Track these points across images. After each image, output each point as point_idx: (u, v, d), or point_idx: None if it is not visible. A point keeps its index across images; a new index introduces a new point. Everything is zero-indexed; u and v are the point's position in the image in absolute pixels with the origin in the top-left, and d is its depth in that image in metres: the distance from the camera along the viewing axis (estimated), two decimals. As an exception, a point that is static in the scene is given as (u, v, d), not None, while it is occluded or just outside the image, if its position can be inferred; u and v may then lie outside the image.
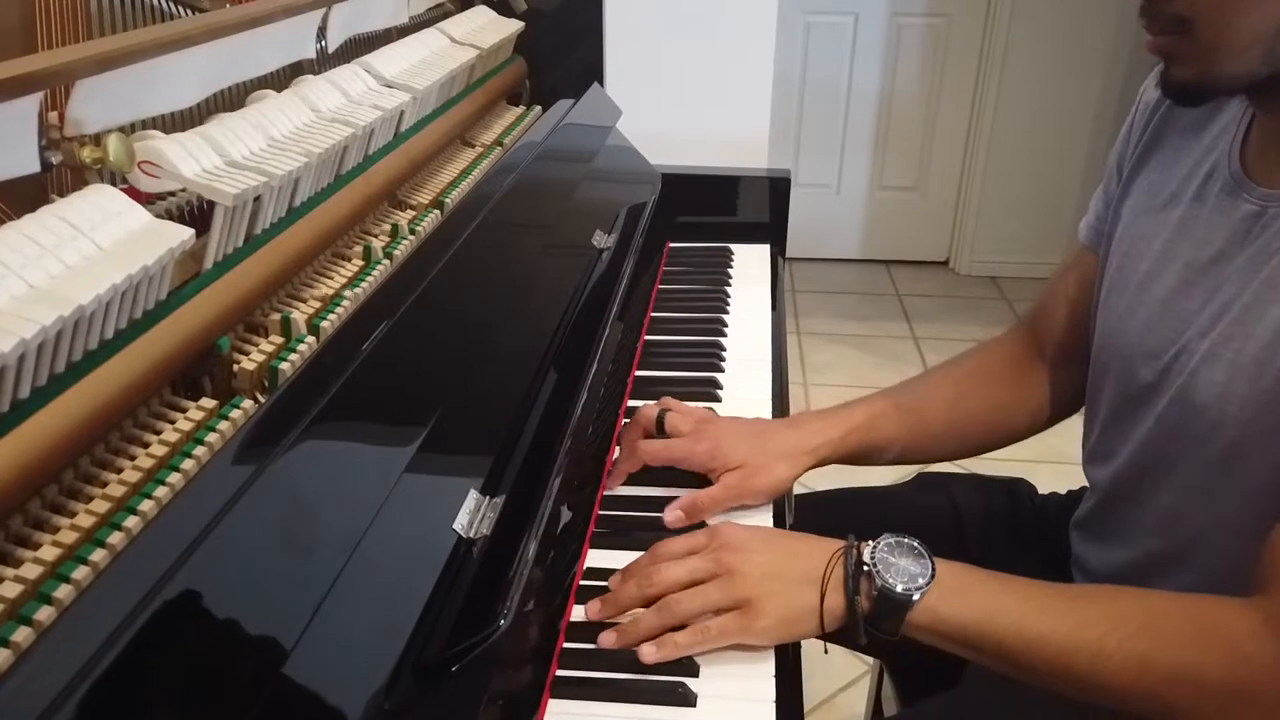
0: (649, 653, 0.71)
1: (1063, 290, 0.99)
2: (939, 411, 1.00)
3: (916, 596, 0.69)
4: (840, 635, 0.73)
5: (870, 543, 0.73)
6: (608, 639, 0.72)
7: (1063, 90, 3.25)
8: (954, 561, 0.73)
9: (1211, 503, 0.78)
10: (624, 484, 0.93)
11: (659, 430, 0.94)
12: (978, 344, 1.06)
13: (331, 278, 0.85)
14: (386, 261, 0.90)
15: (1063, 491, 1.09)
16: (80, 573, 0.51)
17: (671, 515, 0.87)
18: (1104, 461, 0.90)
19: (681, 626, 0.72)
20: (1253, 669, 0.64)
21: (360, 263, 0.88)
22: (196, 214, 0.78)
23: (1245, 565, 0.71)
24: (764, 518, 0.89)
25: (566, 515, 0.84)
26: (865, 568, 0.71)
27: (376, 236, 0.95)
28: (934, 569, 0.71)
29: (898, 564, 0.71)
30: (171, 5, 0.81)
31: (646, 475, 0.94)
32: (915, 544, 0.72)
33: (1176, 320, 0.79)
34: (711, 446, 0.90)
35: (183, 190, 0.71)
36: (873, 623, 0.71)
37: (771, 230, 1.52)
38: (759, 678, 0.71)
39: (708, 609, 0.72)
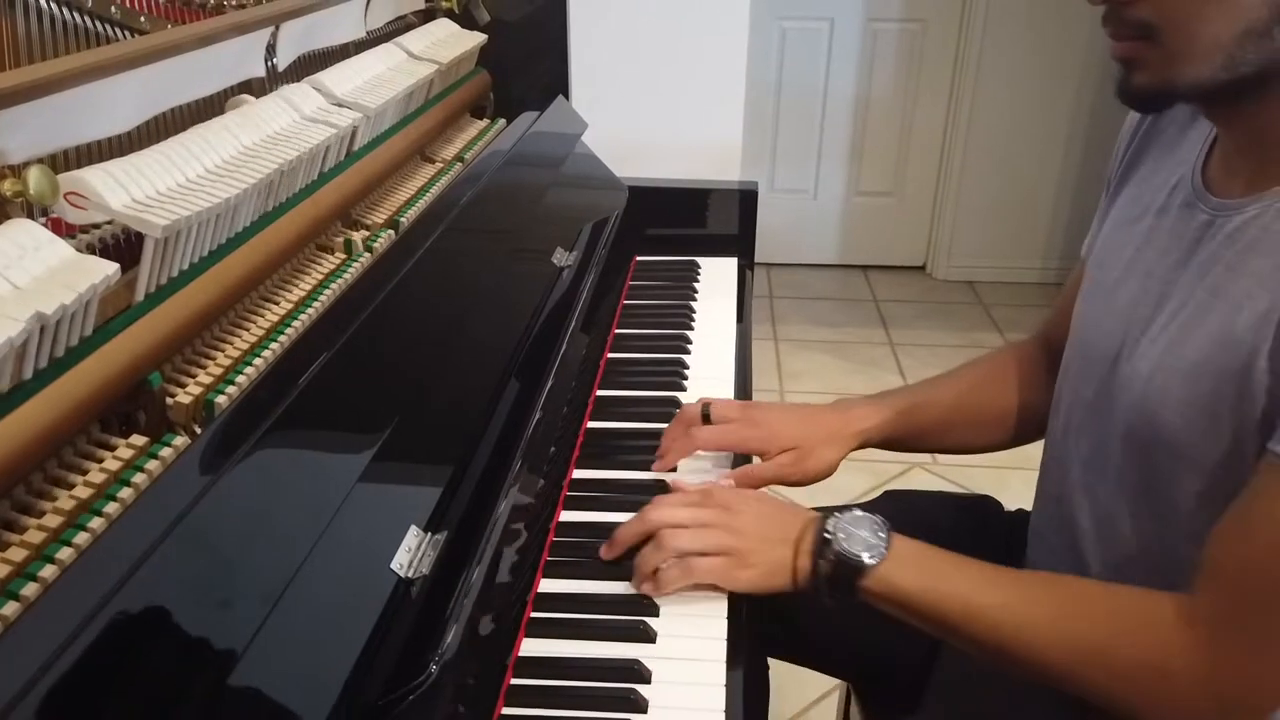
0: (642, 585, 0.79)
1: (1067, 303, 1.00)
2: (966, 406, 1.05)
3: (870, 561, 0.75)
4: (812, 598, 0.79)
5: (838, 514, 0.79)
6: (606, 551, 0.82)
7: (1038, 94, 3.25)
8: (917, 541, 0.78)
9: (1153, 509, 0.78)
10: (578, 510, 0.91)
11: (705, 421, 0.98)
12: (995, 349, 1.11)
13: (277, 302, 0.83)
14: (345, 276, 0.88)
15: (1029, 508, 1.08)
16: (-10, 627, 0.49)
17: (725, 483, 0.92)
18: (1056, 469, 0.91)
19: None
20: (1167, 655, 0.69)
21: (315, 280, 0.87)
22: (132, 243, 0.76)
23: (1187, 572, 0.71)
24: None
25: (518, 543, 0.82)
26: (827, 535, 0.77)
27: (330, 257, 0.94)
28: (889, 541, 0.77)
29: (858, 534, 0.77)
30: (108, 28, 0.79)
31: (603, 500, 0.92)
32: (878, 520, 0.78)
33: (1130, 328, 0.80)
34: (765, 431, 0.96)
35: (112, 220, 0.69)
36: (833, 583, 0.77)
37: (739, 242, 1.51)
38: (717, 686, 0.72)
39: (697, 549, 0.78)
